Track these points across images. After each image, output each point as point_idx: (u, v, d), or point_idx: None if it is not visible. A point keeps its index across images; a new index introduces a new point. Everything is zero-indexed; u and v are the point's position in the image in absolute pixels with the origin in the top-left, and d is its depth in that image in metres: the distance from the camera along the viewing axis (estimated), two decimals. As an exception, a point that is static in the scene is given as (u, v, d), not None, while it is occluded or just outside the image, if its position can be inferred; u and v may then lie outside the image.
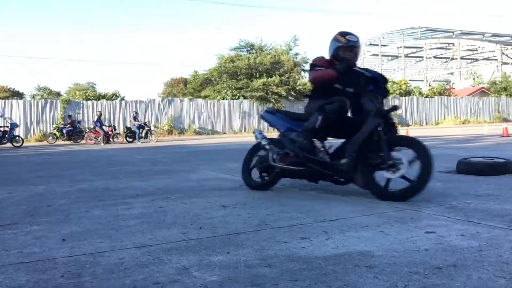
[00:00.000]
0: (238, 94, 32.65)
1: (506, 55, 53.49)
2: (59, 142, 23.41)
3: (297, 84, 34.01)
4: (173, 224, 3.30)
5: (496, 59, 54.62)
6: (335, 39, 4.35)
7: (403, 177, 3.94)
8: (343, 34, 4.32)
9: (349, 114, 4.35)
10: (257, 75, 33.75)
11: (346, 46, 4.26)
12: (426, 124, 37.85)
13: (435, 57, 57.77)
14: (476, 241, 2.56)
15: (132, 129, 22.48)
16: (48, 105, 27.96)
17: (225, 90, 32.68)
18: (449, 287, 1.89)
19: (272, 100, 32.29)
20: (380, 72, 4.33)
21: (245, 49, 37.01)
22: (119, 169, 8.27)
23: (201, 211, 3.78)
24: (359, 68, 4.21)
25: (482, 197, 3.96)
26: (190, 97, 33.14)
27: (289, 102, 33.15)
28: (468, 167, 5.68)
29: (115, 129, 22.78)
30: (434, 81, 55.46)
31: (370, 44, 56.67)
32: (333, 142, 4.44)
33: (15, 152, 17.22)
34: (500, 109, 40.94)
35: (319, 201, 4.04)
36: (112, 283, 2.07)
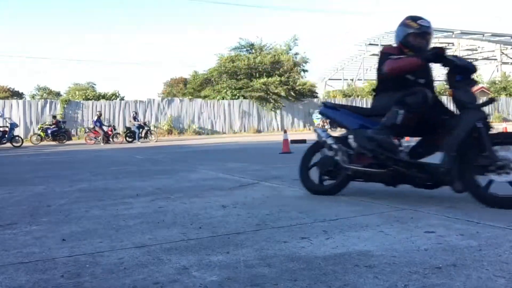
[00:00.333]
0: (238, 94, 32.66)
1: (506, 54, 53.49)
2: (44, 143, 23.16)
3: (297, 84, 34.04)
4: (172, 224, 3.30)
5: (496, 59, 54.62)
6: (404, 24, 3.89)
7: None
8: (413, 18, 3.87)
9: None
10: (257, 75, 33.77)
11: (418, 32, 3.82)
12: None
13: (434, 57, 57.73)
14: (476, 240, 2.57)
15: (132, 129, 22.48)
16: (48, 105, 27.96)
17: (225, 90, 32.69)
18: (448, 286, 1.89)
19: (272, 100, 32.31)
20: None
21: (245, 49, 37.03)
22: (119, 169, 8.27)
23: (200, 211, 3.78)
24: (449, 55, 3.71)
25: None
26: (190, 97, 33.15)
27: (288, 102, 33.15)
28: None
29: (114, 129, 22.77)
30: (434, 80, 55.44)
31: (370, 44, 56.61)
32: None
33: (14, 152, 17.22)
34: (499, 109, 40.96)
35: (318, 201, 4.04)
36: (111, 283, 2.07)
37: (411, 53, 3.83)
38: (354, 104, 36.13)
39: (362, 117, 4.08)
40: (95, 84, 45.48)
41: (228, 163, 8.64)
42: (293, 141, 14.69)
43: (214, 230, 3.07)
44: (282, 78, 33.31)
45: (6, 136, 20.86)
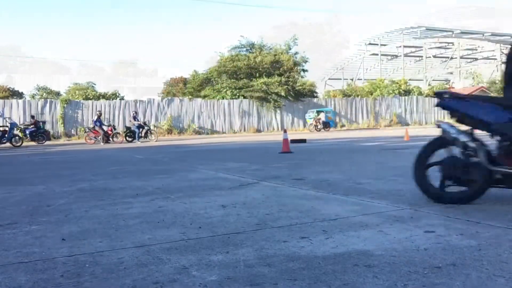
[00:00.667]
0: (238, 94, 32.66)
1: (506, 54, 53.42)
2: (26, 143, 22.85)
3: (297, 84, 34.03)
4: (172, 224, 3.30)
5: (496, 59, 54.59)
6: None
7: None
8: None
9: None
10: (257, 75, 33.76)
11: None
12: (426, 123, 37.84)
13: (434, 56, 57.79)
14: (476, 240, 2.57)
15: (132, 128, 22.47)
16: (48, 105, 27.96)
17: (225, 90, 32.69)
18: (448, 286, 1.89)
19: (272, 100, 32.30)
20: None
21: (244, 49, 37.01)
22: (119, 168, 8.27)
23: (200, 211, 3.78)
24: None
25: (482, 196, 3.95)
26: (190, 97, 33.13)
27: (288, 101, 33.13)
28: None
29: (114, 129, 22.75)
30: (433, 80, 55.48)
31: (370, 44, 56.64)
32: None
33: (14, 151, 17.21)
34: (499, 109, 40.97)
35: (318, 201, 4.04)
36: (111, 283, 2.07)
37: None
38: (354, 104, 36.11)
39: (502, 108, 3.50)
40: (95, 84, 45.41)
41: (228, 162, 8.64)
42: (293, 141, 14.69)
43: (214, 230, 3.07)
44: (282, 78, 33.31)
45: (6, 136, 20.85)
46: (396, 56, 58.64)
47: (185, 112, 30.94)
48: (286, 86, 32.87)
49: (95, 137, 21.30)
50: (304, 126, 33.89)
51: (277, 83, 32.47)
